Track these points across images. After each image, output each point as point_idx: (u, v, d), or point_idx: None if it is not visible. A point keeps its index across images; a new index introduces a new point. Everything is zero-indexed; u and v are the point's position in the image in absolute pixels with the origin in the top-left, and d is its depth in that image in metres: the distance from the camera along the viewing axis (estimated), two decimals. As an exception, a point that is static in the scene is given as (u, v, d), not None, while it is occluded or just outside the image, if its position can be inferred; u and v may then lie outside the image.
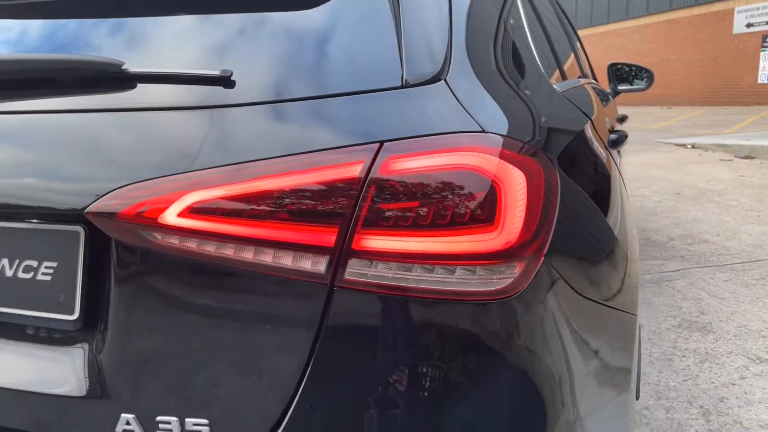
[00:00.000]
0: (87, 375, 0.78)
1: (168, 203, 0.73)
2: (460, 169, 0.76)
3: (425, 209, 0.74)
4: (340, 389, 0.73)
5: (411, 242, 0.73)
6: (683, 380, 2.28)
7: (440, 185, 0.75)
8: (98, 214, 0.75)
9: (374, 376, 0.73)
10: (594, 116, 1.35)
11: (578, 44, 2.95)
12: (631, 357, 1.03)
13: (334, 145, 0.75)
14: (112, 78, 0.84)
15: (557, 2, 2.57)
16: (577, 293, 0.87)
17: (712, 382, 2.26)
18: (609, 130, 1.61)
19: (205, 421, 0.75)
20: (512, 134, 0.84)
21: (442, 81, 0.85)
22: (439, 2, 0.95)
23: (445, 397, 0.73)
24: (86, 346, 0.80)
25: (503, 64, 1.00)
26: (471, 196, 0.76)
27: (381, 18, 0.89)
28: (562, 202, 0.88)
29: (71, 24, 0.97)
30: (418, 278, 0.74)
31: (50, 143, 0.82)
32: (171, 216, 0.73)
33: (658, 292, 3.19)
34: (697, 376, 2.32)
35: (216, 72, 0.81)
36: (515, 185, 0.78)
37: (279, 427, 0.73)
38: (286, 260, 0.72)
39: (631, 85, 3.10)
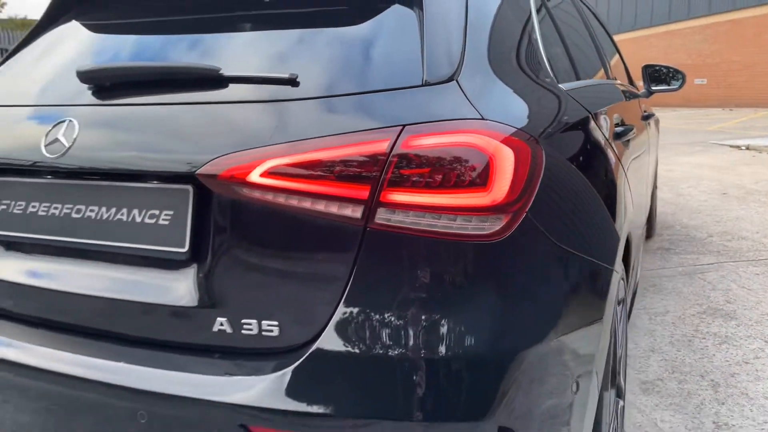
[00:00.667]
0: (196, 291, 1.10)
1: (252, 168, 1.03)
2: (461, 146, 1.04)
3: (435, 174, 1.02)
4: (370, 299, 1.02)
5: (423, 197, 1.01)
6: (699, 358, 2.47)
7: (446, 157, 1.03)
8: (204, 176, 1.06)
9: (393, 290, 1.01)
10: (597, 111, 1.59)
11: (609, 49, 3.15)
12: (603, 300, 1.27)
13: (368, 128, 1.04)
14: (213, 79, 1.15)
15: (588, 11, 2.79)
16: (555, 242, 1.13)
17: (726, 361, 2.44)
18: (618, 123, 1.83)
19: (275, 322, 1.05)
20: (507, 122, 1.11)
21: (454, 81, 1.13)
22: (455, 20, 1.22)
23: (443, 305, 1.01)
24: (194, 270, 1.11)
25: (507, 69, 1.27)
26: (470, 166, 1.03)
27: (409, 33, 1.18)
28: (550, 174, 1.14)
29: (181, 39, 1.30)
30: (428, 223, 1.01)
31: (167, 127, 1.15)
32: (255, 176, 1.03)
33: (689, 282, 3.34)
34: (714, 355, 2.50)
35: (286, 75, 1.11)
36: (504, 159, 1.05)
37: (326, 327, 1.02)
38: (333, 208, 1.01)
39: (668, 85, 3.28)
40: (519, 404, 1.04)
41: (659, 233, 4.37)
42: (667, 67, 3.32)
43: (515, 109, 1.19)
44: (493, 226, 1.03)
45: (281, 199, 1.03)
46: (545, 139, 1.19)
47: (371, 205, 1.01)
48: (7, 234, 1.31)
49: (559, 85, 1.50)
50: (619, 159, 1.65)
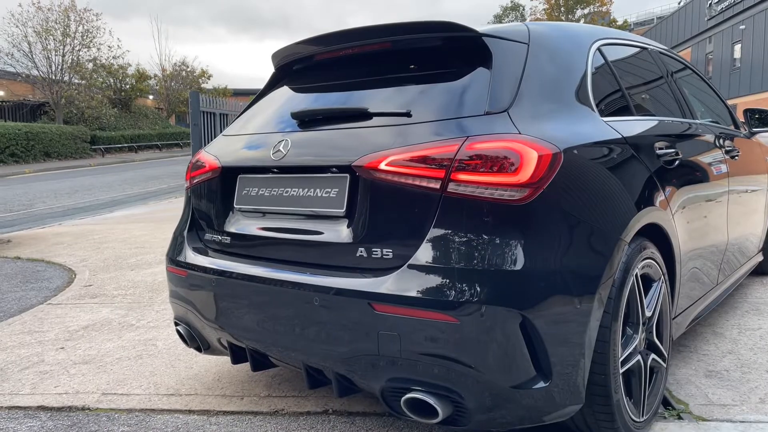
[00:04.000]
0: (348, 233, 1.91)
1: (381, 161, 1.84)
2: (502, 148, 1.76)
3: (485, 164, 1.75)
4: (442, 237, 1.75)
5: (477, 177, 1.74)
6: (772, 360, 2.80)
7: (492, 154, 1.76)
8: (355, 167, 1.89)
9: (458, 232, 1.73)
10: (632, 136, 2.20)
11: (704, 96, 3.61)
12: (603, 264, 1.86)
13: (447, 137, 1.80)
14: (360, 114, 2.02)
15: (678, 62, 3.32)
16: (567, 212, 1.79)
17: (798, 363, 2.75)
18: (667, 149, 2.39)
19: (390, 250, 1.82)
20: (537, 136, 1.81)
21: (506, 112, 1.86)
22: (513, 73, 1.96)
23: (488, 241, 1.71)
24: (346, 222, 1.93)
25: (549, 105, 1.97)
26: (507, 160, 1.75)
27: (481, 82, 1.94)
28: (569, 169, 1.81)
29: (344, 92, 2.21)
30: (480, 191, 1.74)
31: (336, 143, 2.01)
32: (382, 165, 1.83)
33: (795, 310, 3.56)
34: (788, 359, 2.81)
35: (404, 111, 1.93)
36: (529, 157, 1.76)
37: (416, 252, 1.77)
38: (424, 183, 1.77)
39: (767, 125, 3.65)
40: (538, 302, 1.70)
41: (786, 271, 4.49)
42: (765, 111, 3.67)
43: (547, 130, 1.88)
44: (520, 195, 1.73)
45: (396, 178, 1.83)
46: (568, 147, 1.87)
47: (445, 181, 1.76)
48: (248, 207, 2.25)
49: (601, 118, 2.15)
50: (652, 171, 2.22)
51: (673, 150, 2.43)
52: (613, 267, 1.89)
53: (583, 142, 1.97)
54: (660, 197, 2.24)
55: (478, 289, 1.70)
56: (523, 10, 56.07)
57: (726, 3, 32.46)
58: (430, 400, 1.75)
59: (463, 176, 1.76)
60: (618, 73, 2.49)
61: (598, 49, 2.43)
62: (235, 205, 2.30)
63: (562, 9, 52.74)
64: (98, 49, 32.44)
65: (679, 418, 2.27)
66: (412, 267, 1.78)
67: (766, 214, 3.98)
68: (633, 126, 2.31)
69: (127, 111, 37.89)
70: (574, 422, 1.99)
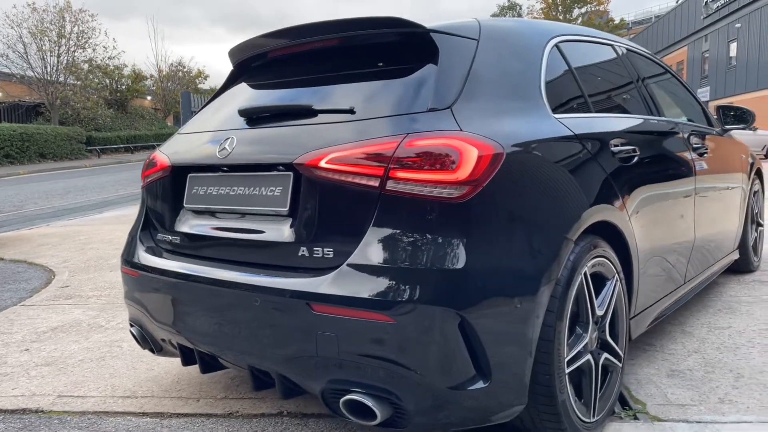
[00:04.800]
0: (291, 233, 1.88)
1: (322, 158, 1.81)
2: (441, 145, 1.73)
3: (423, 161, 1.72)
4: (381, 235, 1.72)
5: (416, 175, 1.71)
6: (737, 359, 2.77)
7: (431, 151, 1.72)
8: (297, 164, 1.86)
9: (396, 230, 1.70)
10: (585, 133, 2.17)
11: (678, 93, 3.58)
12: (545, 263, 1.83)
13: (387, 134, 1.77)
14: (305, 111, 1.98)
15: (651, 61, 3.29)
16: (509, 210, 1.76)
17: (764, 362, 2.72)
18: (617, 145, 2.35)
19: (331, 249, 1.79)
20: (479, 133, 1.78)
21: (449, 109, 1.83)
22: (459, 72, 1.93)
23: (425, 238, 1.68)
24: (289, 221, 1.90)
25: (494, 103, 1.94)
26: (446, 156, 1.72)
27: (427, 80, 1.91)
28: (512, 165, 1.78)
29: (294, 90, 2.17)
30: (419, 189, 1.70)
31: (281, 140, 1.98)
32: (323, 163, 1.80)
33: (767, 308, 3.53)
34: (754, 358, 2.78)
35: (347, 107, 1.90)
36: (469, 154, 1.73)
37: (354, 251, 1.73)
38: (363, 180, 1.74)
39: (740, 123, 3.62)
40: (476, 301, 1.67)
41: (763, 269, 4.47)
42: (739, 108, 3.64)
43: (492, 126, 1.85)
44: (458, 192, 1.70)
45: (336, 176, 1.79)
46: (512, 144, 1.84)
47: (384, 179, 1.73)
48: (197, 206, 2.22)
49: (553, 114, 2.11)
50: (606, 169, 2.19)
51: (631, 147, 2.40)
52: (558, 266, 1.86)
53: (529, 139, 1.94)
54: (615, 195, 2.21)
55: (415, 288, 1.67)
56: (520, 9, 56.06)
57: (722, 1, 32.48)
58: (369, 402, 1.72)
59: (401, 174, 1.73)
60: (577, 70, 2.46)
61: (556, 45, 2.40)
62: (185, 205, 2.27)
63: (560, 8, 52.76)
64: (93, 49, 32.40)
65: (635, 418, 2.24)
66: (350, 266, 1.75)
67: (741, 212, 3.95)
68: (587, 123, 2.28)
69: (123, 112, 37.85)
70: (522, 422, 1.96)
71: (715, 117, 3.82)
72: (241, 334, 1.96)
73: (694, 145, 3.10)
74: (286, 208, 1.92)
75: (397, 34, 2.10)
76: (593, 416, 2.06)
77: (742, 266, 4.23)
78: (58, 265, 5.87)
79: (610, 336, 2.20)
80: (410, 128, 1.78)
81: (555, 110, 2.16)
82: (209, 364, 2.21)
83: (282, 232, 1.92)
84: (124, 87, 37.05)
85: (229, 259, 2.07)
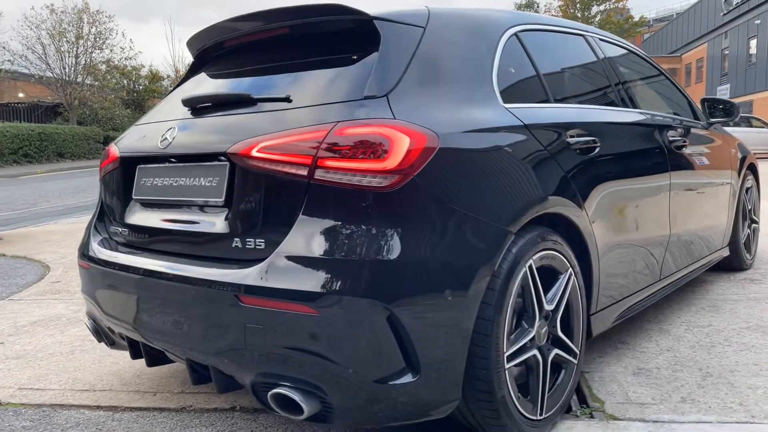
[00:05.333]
0: (226, 224, 1.85)
1: (253, 147, 1.77)
2: (371, 134, 1.69)
3: (352, 150, 1.68)
4: (310, 225, 1.68)
5: (344, 164, 1.67)
6: (710, 358, 2.68)
7: (361, 140, 1.68)
8: (231, 154, 1.82)
9: (325, 220, 1.66)
10: (536, 123, 2.11)
11: (657, 86, 3.49)
12: (480, 256, 1.77)
13: (317, 123, 1.73)
14: (243, 101, 1.95)
15: (620, 45, 3.20)
16: (441, 201, 1.71)
17: (736, 362, 2.63)
18: (574, 136, 2.28)
19: (262, 240, 1.76)
20: (414, 122, 1.73)
21: (385, 97, 1.79)
22: (400, 61, 1.88)
23: (353, 229, 1.64)
24: (225, 212, 1.87)
25: (435, 91, 1.89)
26: (376, 145, 1.68)
27: (365, 69, 1.87)
28: (447, 156, 1.73)
29: (239, 79, 2.14)
30: (348, 179, 1.66)
31: (218, 129, 1.95)
32: (254, 152, 1.76)
33: (752, 306, 3.42)
34: (728, 357, 2.69)
35: (283, 95, 1.86)
36: (400, 143, 1.68)
37: (283, 240, 1.70)
38: (292, 169, 1.70)
39: (725, 116, 3.52)
40: (403, 294, 1.63)
41: (756, 267, 4.35)
42: (723, 101, 3.54)
43: (430, 115, 1.80)
44: (387, 182, 1.65)
45: (267, 165, 1.76)
46: (449, 133, 1.79)
47: (312, 168, 1.69)
48: (144, 198, 2.20)
49: (503, 104, 2.06)
50: (558, 160, 2.13)
51: (591, 139, 2.33)
52: (495, 258, 1.80)
53: (469, 128, 1.89)
54: (569, 187, 2.14)
55: (339, 280, 1.62)
56: (538, 6, 55.57)
57: (742, -3, 31.91)
58: (295, 396, 1.68)
59: (330, 163, 1.69)
60: (539, 60, 2.40)
61: (516, 35, 2.35)
62: (133, 196, 2.25)
63: (578, 5, 52.17)
64: (111, 50, 32.73)
65: (591, 416, 2.18)
66: (277, 257, 1.71)
67: (730, 208, 3.85)
68: (541, 113, 2.22)
69: (140, 111, 38.22)
70: (465, 418, 1.91)
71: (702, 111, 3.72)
72: (177, 326, 1.93)
73: (671, 138, 3.01)
74: (222, 199, 1.89)
75: (341, 21, 2.05)
76: (541, 414, 2.00)
77: (733, 264, 4.12)
78: (56, 261, 5.91)
79: (563, 332, 2.13)
80: (342, 116, 1.74)
81: (508, 100, 2.10)
82: (156, 357, 2.18)
83: (218, 223, 1.89)
84: (141, 87, 37.40)
85: (170, 251, 2.05)
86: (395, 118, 1.73)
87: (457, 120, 1.87)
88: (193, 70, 2.59)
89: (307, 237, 1.68)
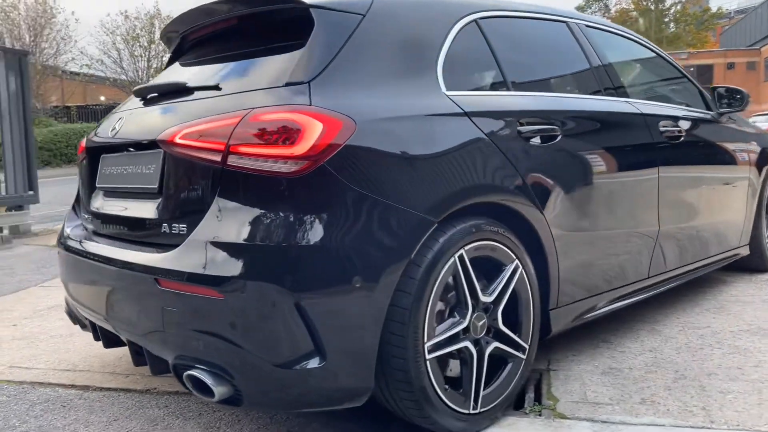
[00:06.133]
0: (158, 210, 1.92)
1: (177, 134, 1.82)
2: (283, 120, 1.69)
3: (263, 136, 1.69)
4: (224, 209, 1.70)
5: (255, 150, 1.68)
6: (692, 360, 2.54)
7: (273, 127, 1.69)
8: (160, 141, 1.88)
9: (238, 204, 1.68)
10: (480, 110, 2.05)
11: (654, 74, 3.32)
12: (395, 244, 1.73)
13: (235, 109, 1.76)
14: (180, 90, 2.00)
15: (617, 33, 3.07)
16: (354, 188, 1.69)
17: (719, 365, 2.48)
18: (522, 124, 2.18)
19: (185, 225, 1.81)
20: (332, 108, 1.73)
21: (307, 83, 1.79)
22: (329, 48, 1.88)
23: (263, 214, 1.65)
24: (158, 198, 1.92)
25: (363, 77, 1.88)
26: (286, 131, 1.68)
27: (290, 56, 1.88)
28: (365, 143, 1.72)
29: (197, 69, 2.20)
30: (259, 165, 1.67)
31: (154, 118, 2.01)
32: (177, 138, 1.81)
33: (761, 308, 3.21)
34: (711, 360, 2.54)
35: (215, 84, 1.90)
36: (312, 129, 1.68)
37: (198, 225, 1.73)
38: (208, 155, 1.74)
39: (734, 106, 3.31)
40: (308, 280, 1.63)
41: (786, 269, 4.06)
42: (735, 90, 3.32)
43: (353, 102, 1.79)
44: (296, 167, 1.66)
45: (188, 152, 1.80)
46: (370, 120, 1.77)
47: (225, 154, 1.72)
48: (104, 185, 2.29)
49: (446, 92, 2.02)
50: (503, 150, 2.06)
51: (549, 127, 2.25)
52: (412, 247, 1.77)
53: (396, 115, 1.86)
54: (515, 177, 2.07)
55: (245, 265, 1.64)
56: (608, 0, 53.75)
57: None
58: (206, 379, 1.71)
59: (243, 149, 1.71)
60: (499, 47, 2.33)
61: (476, 22, 2.29)
62: (97, 185, 2.35)
63: (651, -2, 50.10)
64: (181, 53, 34.16)
65: (539, 414, 2.10)
66: (192, 242, 1.75)
67: (749, 204, 3.61)
68: (486, 100, 2.16)
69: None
70: (394, 409, 1.89)
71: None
72: (119, 309, 2.01)
73: (662, 130, 2.85)
74: (156, 185, 1.94)
75: (283, 11, 2.07)
76: (475, 408, 1.95)
77: (755, 264, 3.86)
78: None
79: (508, 325, 2.07)
80: (259, 103, 1.76)
81: (453, 87, 2.06)
82: (111, 339, 2.27)
83: (152, 209, 1.95)
84: (209, 88, 38.82)
85: (118, 236, 2.13)
86: (311, 105, 1.73)
87: (384, 107, 1.85)
88: (168, 63, 2.68)
89: (218, 222, 1.71)
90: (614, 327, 2.98)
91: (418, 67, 2.03)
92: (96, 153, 2.37)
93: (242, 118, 1.72)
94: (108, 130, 2.23)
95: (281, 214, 1.66)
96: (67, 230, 2.48)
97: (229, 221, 1.69)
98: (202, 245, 1.72)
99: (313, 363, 1.65)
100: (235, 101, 1.82)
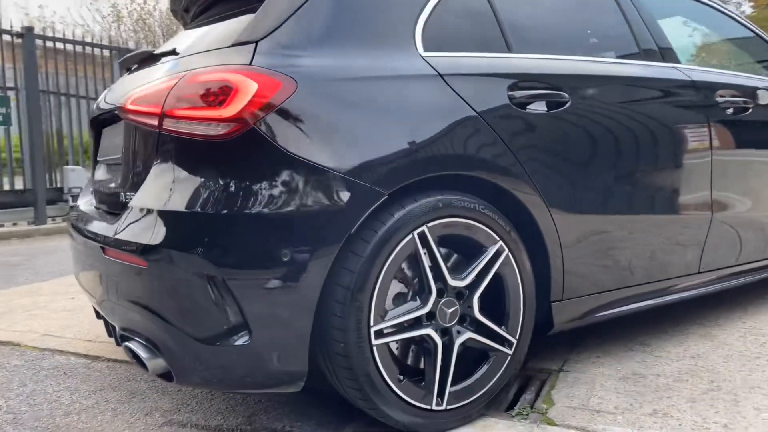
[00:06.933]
0: (119, 179, 1.89)
1: (128, 100, 1.77)
2: (216, 81, 1.59)
3: (196, 98, 1.60)
4: (161, 174, 1.63)
5: (188, 112, 1.59)
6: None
7: (205, 89, 1.59)
8: (118, 107, 1.85)
9: (175, 168, 1.59)
10: (458, 74, 1.81)
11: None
12: (334, 216, 1.55)
13: (176, 71, 1.68)
14: (150, 57, 1.96)
15: None
16: (290, 154, 1.55)
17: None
18: (512, 89, 1.89)
19: (132, 193, 1.76)
20: (274, 68, 1.60)
21: (255, 43, 1.67)
22: (287, 7, 1.75)
23: (193, 177, 1.56)
24: (120, 168, 1.90)
25: (323, 37, 1.73)
26: (218, 92, 1.57)
27: (256, 11, 1.76)
28: (303, 105, 1.58)
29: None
30: (192, 128, 1.58)
31: (127, 87, 1.98)
32: (128, 104, 1.76)
33: None
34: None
35: (171, 49, 1.84)
36: (245, 89, 1.56)
37: (137, 192, 1.68)
38: (147, 119, 1.67)
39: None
40: (233, 251, 1.52)
41: None
42: None
43: (297, 61, 1.65)
44: (224, 130, 1.55)
45: (136, 117, 1.75)
46: (316, 80, 1.63)
47: (161, 117, 1.64)
48: (102, 158, 2.32)
49: (422, 53, 1.82)
50: (482, 114, 1.82)
51: (552, 92, 1.96)
52: (354, 220, 1.59)
53: (350, 77, 1.70)
54: (498, 147, 1.82)
55: (169, 233, 1.56)
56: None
57: None
58: (140, 352, 1.65)
59: (178, 112, 1.63)
60: (503, 7, 2.07)
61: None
62: (98, 158, 2.39)
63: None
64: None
65: (525, 417, 1.85)
66: (130, 210, 1.70)
67: None
68: (469, 62, 1.90)
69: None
70: (345, 397, 1.74)
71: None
72: (92, 280, 2.01)
73: (720, 101, 2.43)
74: (120, 155, 1.92)
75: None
76: (439, 404, 1.73)
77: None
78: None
79: (492, 316, 1.83)
80: (200, 64, 1.67)
81: (432, 48, 1.85)
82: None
83: (118, 179, 1.93)
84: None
85: (101, 208, 2.14)
86: (250, 64, 1.61)
87: (338, 68, 1.69)
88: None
89: (151, 189, 1.65)
90: (660, 328, 2.61)
91: (387, 27, 1.84)
92: (99, 126, 2.41)
93: (179, 80, 1.64)
94: (98, 102, 2.25)
95: (207, 180, 1.56)
96: (77, 208, 2.55)
97: (157, 188, 1.62)
98: (136, 213, 1.66)
99: (239, 341, 1.54)
100: (183, 64, 1.75)
